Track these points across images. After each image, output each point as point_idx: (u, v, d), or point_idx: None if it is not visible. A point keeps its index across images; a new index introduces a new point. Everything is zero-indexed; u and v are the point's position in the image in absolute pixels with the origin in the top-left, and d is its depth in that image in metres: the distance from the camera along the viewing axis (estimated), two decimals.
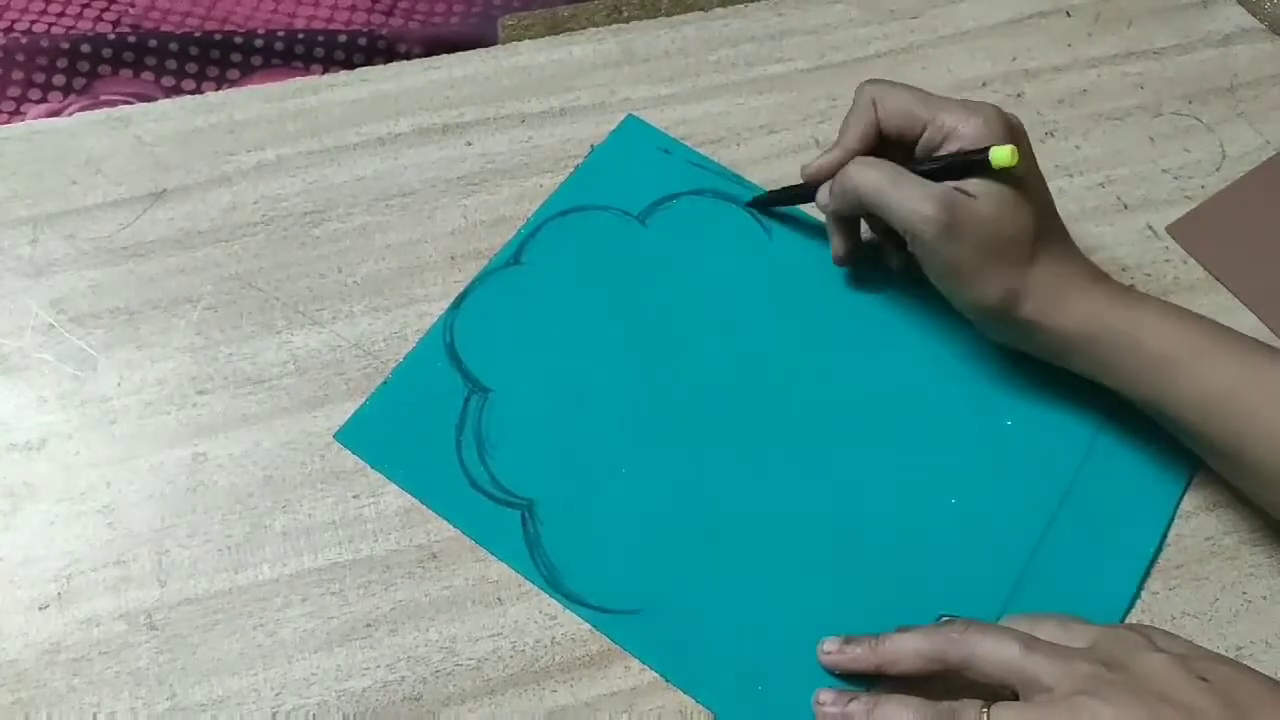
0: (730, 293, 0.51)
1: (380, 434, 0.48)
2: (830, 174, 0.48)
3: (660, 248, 0.53)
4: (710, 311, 0.51)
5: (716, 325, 0.51)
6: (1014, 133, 0.44)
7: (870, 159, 0.46)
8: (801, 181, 0.50)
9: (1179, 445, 0.46)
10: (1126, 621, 0.44)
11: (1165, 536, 0.46)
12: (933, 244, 0.44)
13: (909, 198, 0.44)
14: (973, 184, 0.43)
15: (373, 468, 0.47)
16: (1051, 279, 0.44)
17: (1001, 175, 0.43)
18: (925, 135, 0.45)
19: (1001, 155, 0.42)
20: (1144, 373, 0.43)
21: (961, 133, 0.44)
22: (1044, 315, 0.44)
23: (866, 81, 0.48)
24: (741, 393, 0.49)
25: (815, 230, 0.53)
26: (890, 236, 0.49)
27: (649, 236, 0.53)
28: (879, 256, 0.51)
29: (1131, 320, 0.44)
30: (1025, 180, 0.44)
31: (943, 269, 0.45)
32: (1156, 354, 0.43)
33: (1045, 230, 0.44)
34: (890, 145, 0.47)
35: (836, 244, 0.50)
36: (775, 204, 0.53)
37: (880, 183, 0.44)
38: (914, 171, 0.45)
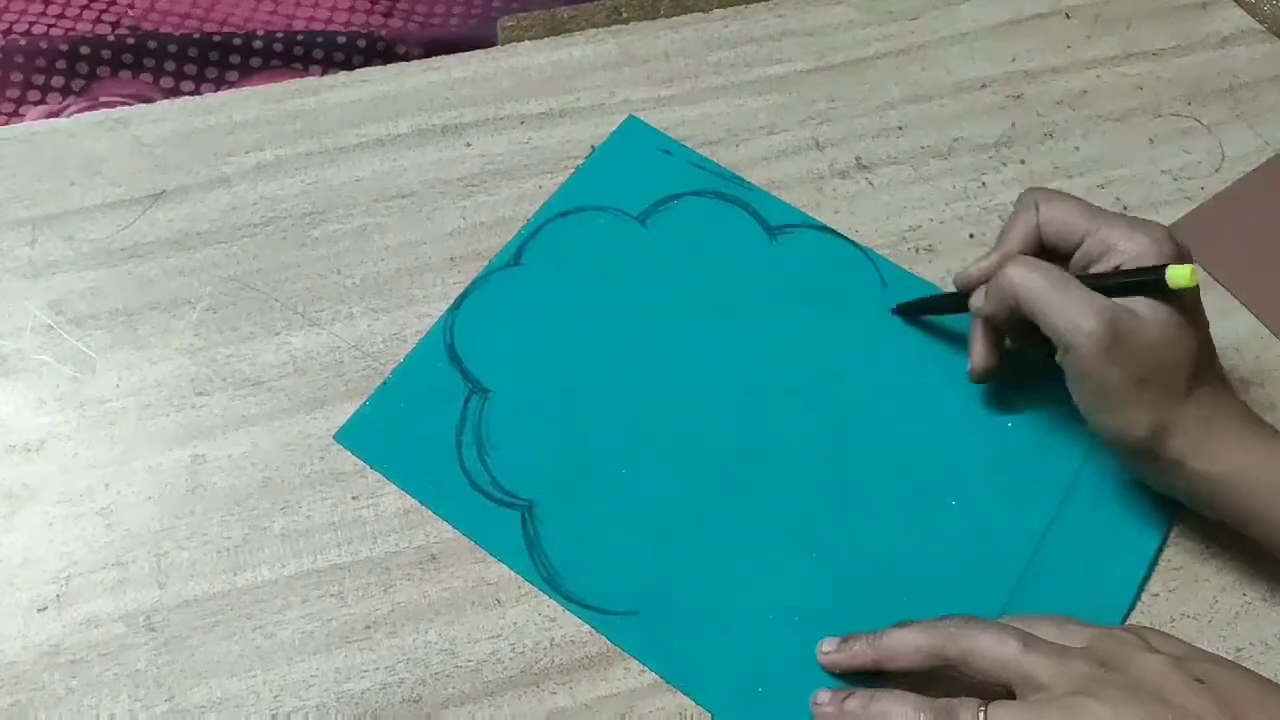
0: (730, 294, 0.51)
1: (380, 434, 0.48)
2: (988, 278, 0.45)
3: (661, 249, 0.53)
4: (710, 313, 0.51)
5: (717, 326, 0.51)
6: (1183, 254, 0.42)
7: (1034, 261, 0.43)
8: (954, 289, 0.47)
9: None
10: (1126, 624, 0.44)
11: (1166, 539, 0.46)
12: (1088, 361, 0.41)
13: (1073, 307, 0.40)
14: (1140, 303, 0.41)
15: (372, 468, 0.47)
16: (1204, 417, 0.41)
17: (1173, 299, 0.40)
18: (1084, 246, 0.43)
19: (1181, 275, 0.39)
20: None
21: (1125, 249, 0.42)
22: (1191, 455, 0.41)
23: (1030, 188, 0.46)
24: (741, 394, 0.49)
25: (817, 232, 0.53)
26: (1034, 344, 0.45)
27: (649, 237, 0.53)
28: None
29: (1272, 464, 0.41)
30: (1193, 309, 0.41)
31: (1094, 390, 0.42)
32: None
33: (1203, 365, 0.42)
34: (1046, 253, 0.44)
35: (979, 354, 0.47)
36: (924, 312, 0.50)
37: (1043, 286, 0.41)
38: (1076, 276, 0.42)
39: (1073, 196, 0.45)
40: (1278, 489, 0.41)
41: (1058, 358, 0.42)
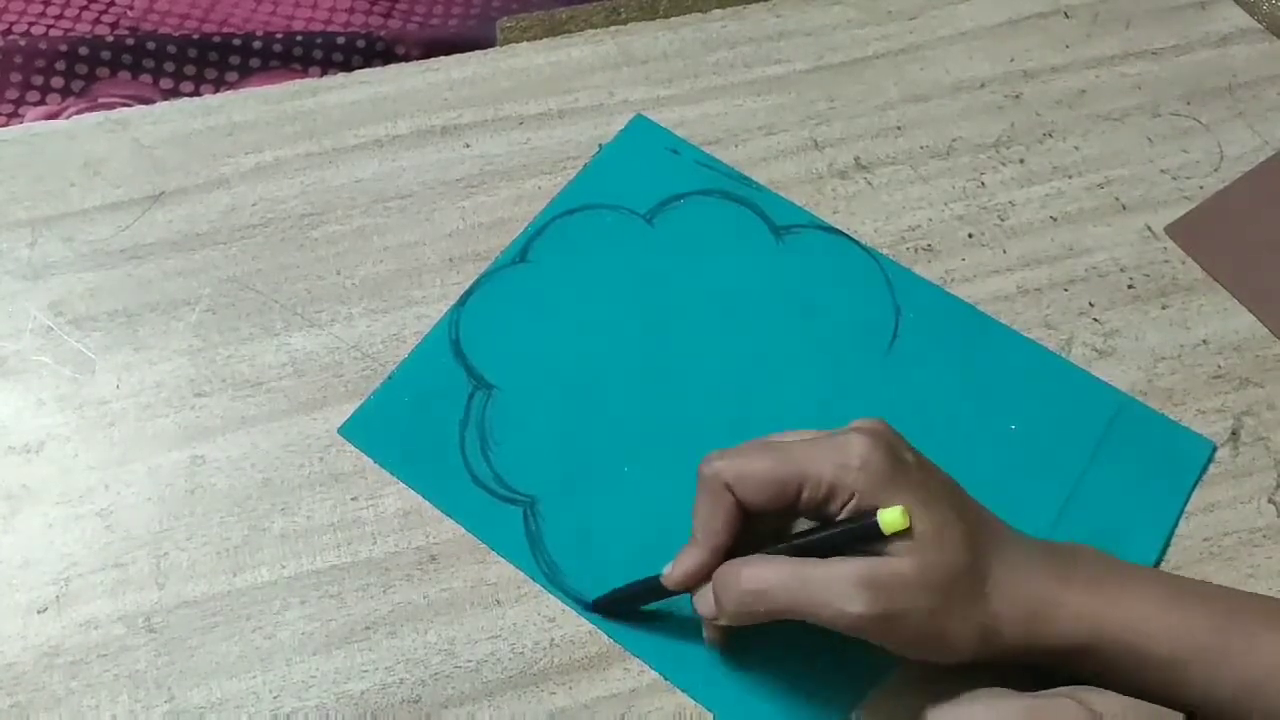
0: (736, 293, 0.51)
1: (383, 429, 0.48)
2: (700, 580, 0.40)
3: (666, 248, 0.53)
4: (716, 311, 0.51)
5: (722, 325, 0.51)
6: (894, 455, 0.38)
7: (759, 559, 0.38)
8: (656, 577, 0.41)
9: (1183, 450, 0.46)
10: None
11: (1169, 541, 0.46)
12: (878, 635, 0.37)
13: (828, 599, 0.36)
14: (887, 544, 0.36)
15: (375, 462, 0.47)
16: (1021, 591, 0.38)
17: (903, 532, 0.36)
18: (805, 496, 0.38)
19: (892, 519, 0.36)
20: (1156, 675, 0.38)
21: (847, 484, 0.37)
22: (1031, 635, 0.38)
23: (705, 462, 0.40)
24: (745, 393, 0.49)
25: (823, 233, 0.53)
26: None
27: (655, 236, 0.53)
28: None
29: (1124, 624, 0.38)
30: (932, 506, 0.37)
31: (902, 649, 0.38)
32: (1163, 658, 0.37)
33: (982, 537, 0.38)
34: (759, 520, 0.40)
35: (713, 634, 0.42)
36: (628, 605, 0.44)
37: (787, 589, 0.37)
38: (796, 548, 0.38)
39: (754, 449, 0.39)
40: (1120, 646, 0.38)
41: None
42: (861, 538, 0.37)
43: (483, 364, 0.49)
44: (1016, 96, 0.58)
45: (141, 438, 0.47)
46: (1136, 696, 0.37)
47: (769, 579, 0.37)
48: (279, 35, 0.61)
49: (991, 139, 0.57)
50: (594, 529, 0.46)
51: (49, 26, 0.62)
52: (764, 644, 0.43)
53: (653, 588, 0.41)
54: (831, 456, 0.38)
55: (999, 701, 0.36)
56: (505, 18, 0.61)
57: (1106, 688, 0.37)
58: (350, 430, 0.48)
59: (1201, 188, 0.55)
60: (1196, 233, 0.54)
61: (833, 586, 0.36)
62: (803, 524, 0.41)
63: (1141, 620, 0.38)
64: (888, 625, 0.36)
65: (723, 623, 0.39)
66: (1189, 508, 0.47)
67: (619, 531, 0.46)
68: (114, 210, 0.53)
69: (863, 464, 0.37)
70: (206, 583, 0.44)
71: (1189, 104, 0.58)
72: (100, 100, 0.59)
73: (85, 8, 0.63)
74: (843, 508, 0.38)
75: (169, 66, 0.60)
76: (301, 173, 0.54)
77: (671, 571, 0.40)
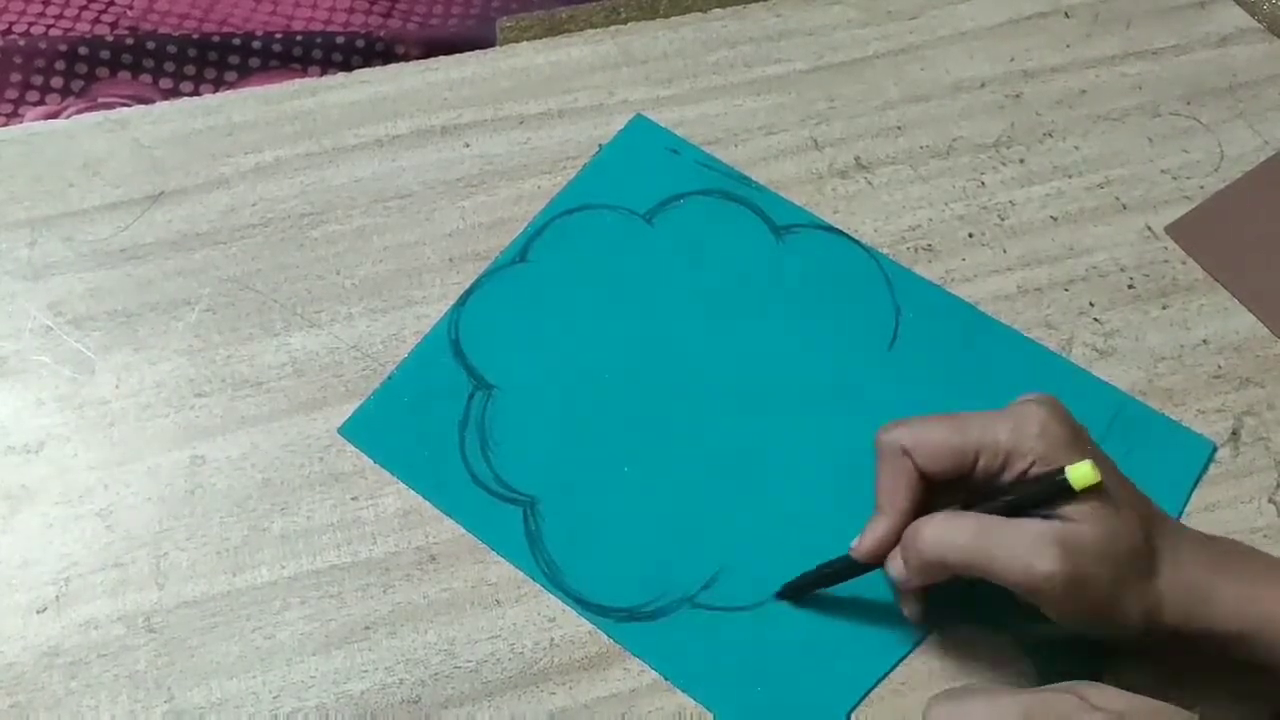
0: (736, 293, 0.51)
1: (383, 429, 0.48)
2: (889, 547, 0.41)
3: (666, 247, 0.53)
4: (715, 311, 0.51)
5: (722, 325, 0.51)
6: (1075, 430, 0.39)
7: (944, 516, 0.39)
8: (844, 556, 0.42)
9: (1183, 450, 0.45)
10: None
11: None
12: (1060, 599, 0.37)
13: (1016, 555, 0.37)
14: (1069, 509, 0.37)
15: (375, 462, 0.47)
16: (1183, 574, 0.39)
17: (1090, 490, 0.37)
18: (981, 464, 0.39)
19: (1082, 474, 0.37)
20: None
21: (1026, 450, 0.38)
22: (1189, 619, 0.38)
23: (882, 431, 0.41)
24: (746, 393, 0.49)
25: (823, 233, 0.53)
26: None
27: (655, 236, 0.53)
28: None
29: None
30: (1108, 471, 0.38)
31: (1076, 615, 0.38)
32: None
33: (1149, 518, 0.39)
34: (939, 487, 0.41)
35: (914, 610, 0.42)
36: (815, 588, 0.44)
37: (973, 544, 0.38)
38: (984, 509, 0.39)
39: (931, 422, 0.40)
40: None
41: (1021, 598, 0.39)
42: (1049, 498, 0.37)
43: (482, 364, 0.49)
44: (1016, 96, 0.58)
45: (141, 438, 0.47)
46: None
47: (958, 534, 0.38)
48: (279, 35, 0.61)
49: (991, 139, 0.57)
50: (594, 529, 0.46)
51: (49, 26, 0.62)
52: (764, 644, 0.43)
53: (842, 567, 0.42)
54: (1009, 424, 0.39)
55: (999, 696, 0.36)
56: (505, 18, 0.61)
57: (1269, 674, 0.38)
58: (350, 430, 0.48)
59: (1201, 188, 0.55)
60: (1196, 233, 0.54)
61: (1023, 543, 0.37)
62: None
63: None
64: (1071, 589, 0.37)
65: (914, 583, 0.40)
66: (1189, 508, 0.47)
67: (619, 531, 0.46)
68: (114, 210, 0.53)
69: (1041, 430, 0.38)
70: (206, 583, 0.44)
71: (1189, 104, 0.58)
72: (100, 100, 0.59)
73: (85, 8, 0.63)
74: (1019, 477, 0.39)
75: (169, 66, 0.60)
76: (301, 173, 0.54)
77: (860, 543, 0.41)
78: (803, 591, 0.44)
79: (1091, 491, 0.37)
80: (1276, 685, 0.40)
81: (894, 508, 0.40)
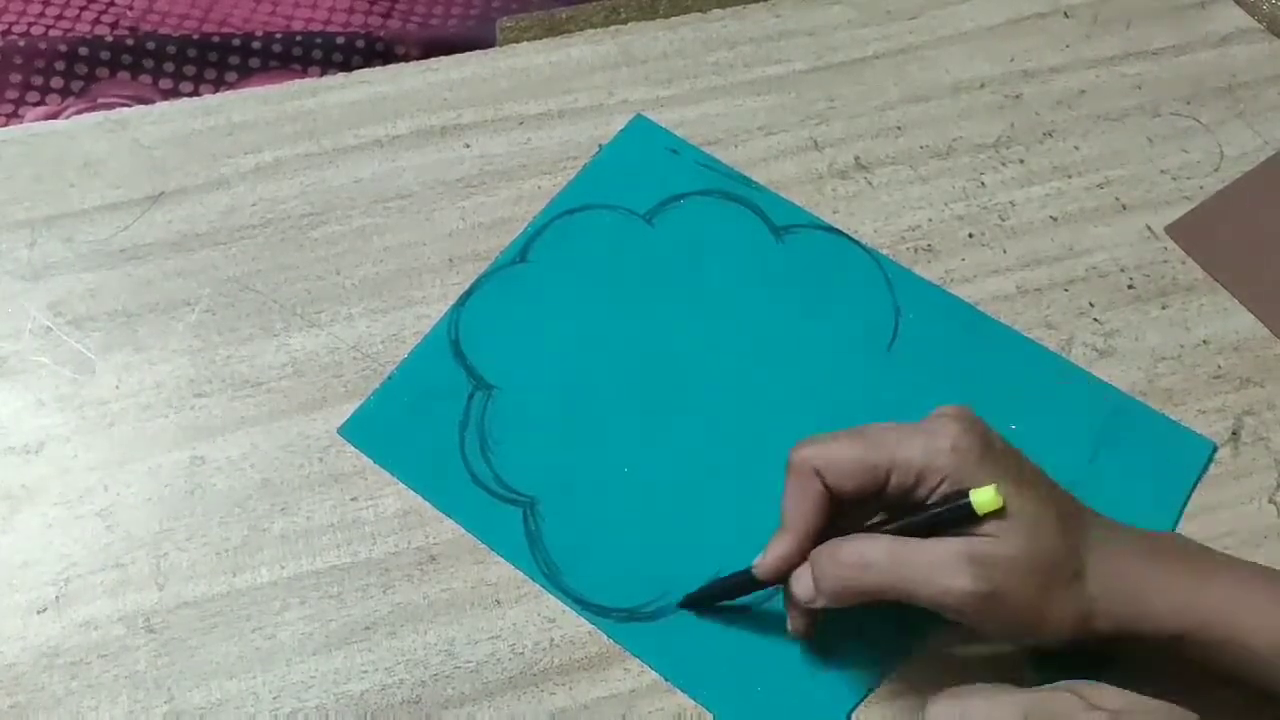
0: (735, 293, 0.51)
1: (383, 429, 0.48)
2: (793, 566, 0.40)
3: (666, 248, 0.53)
4: (715, 312, 0.51)
5: (721, 326, 0.51)
6: (987, 448, 0.38)
7: (856, 539, 0.39)
8: (745, 571, 0.42)
9: (1183, 450, 0.46)
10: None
11: None
12: (980, 615, 0.37)
13: (931, 576, 0.37)
14: (983, 525, 0.37)
15: (375, 463, 0.47)
16: (1114, 577, 0.38)
17: (1007, 500, 0.37)
18: (893, 483, 0.38)
19: (985, 499, 0.36)
20: (1258, 668, 0.38)
21: (937, 467, 0.37)
22: (1124, 622, 0.38)
23: (795, 450, 0.40)
24: (745, 393, 0.49)
25: (823, 233, 0.53)
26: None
27: (655, 236, 0.53)
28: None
29: (1219, 612, 0.38)
30: (1024, 488, 0.38)
31: (1000, 631, 0.38)
32: (1263, 651, 0.37)
33: (1075, 522, 0.39)
34: (847, 506, 0.40)
35: (800, 626, 0.42)
36: (716, 600, 0.44)
37: (888, 566, 0.37)
38: (892, 531, 0.38)
39: (843, 440, 0.39)
40: (1218, 633, 0.38)
41: (947, 617, 0.38)
42: (955, 520, 0.37)
43: (482, 364, 0.49)
44: (1016, 96, 0.58)
45: (141, 438, 0.47)
46: (1244, 684, 0.37)
47: (871, 555, 0.38)
48: (279, 35, 0.61)
49: (991, 139, 0.57)
50: (594, 529, 0.46)
51: (49, 26, 0.62)
52: (764, 644, 0.43)
53: (742, 581, 0.42)
54: (921, 441, 0.38)
55: (998, 695, 0.36)
56: (505, 18, 0.61)
57: (1213, 674, 0.38)
58: (350, 430, 0.48)
59: (1201, 188, 0.55)
60: (1196, 233, 0.54)
61: (937, 563, 0.37)
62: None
63: (1237, 610, 0.38)
64: (992, 604, 0.36)
65: (820, 604, 0.39)
66: (1189, 508, 0.47)
67: (619, 532, 0.46)
68: (114, 210, 0.53)
69: (953, 446, 0.37)
70: (206, 583, 0.44)
71: (1189, 104, 0.58)
72: (100, 100, 0.59)
73: (85, 8, 0.63)
74: (931, 493, 0.38)
75: (169, 66, 0.60)
76: (301, 173, 0.54)
77: (763, 560, 0.41)
78: (703, 603, 0.44)
79: (999, 512, 0.37)
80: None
81: (800, 527, 0.40)
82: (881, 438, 0.39)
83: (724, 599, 0.44)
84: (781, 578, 0.41)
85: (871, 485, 0.39)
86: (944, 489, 0.38)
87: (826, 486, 0.39)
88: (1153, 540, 0.40)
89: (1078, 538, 0.38)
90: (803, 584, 0.40)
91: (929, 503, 0.38)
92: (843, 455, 0.39)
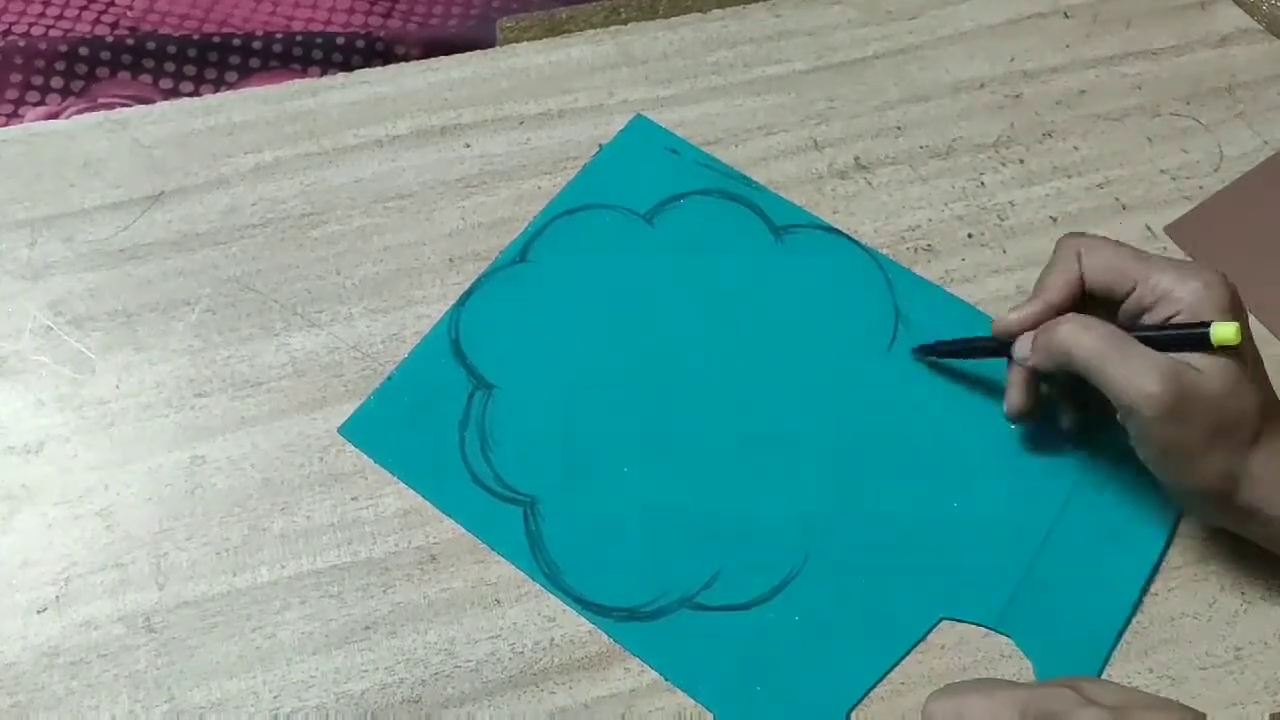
0: (736, 293, 0.51)
1: (383, 429, 0.48)
2: (1028, 328, 0.44)
3: (666, 248, 0.53)
4: (715, 312, 0.51)
5: (721, 325, 0.51)
6: (1237, 299, 0.41)
7: (1088, 319, 0.42)
8: (990, 336, 0.46)
9: None
10: (1120, 634, 0.43)
11: (1170, 541, 0.46)
12: (1154, 423, 0.40)
13: (1132, 370, 0.40)
14: (1198, 357, 0.40)
15: (375, 462, 0.47)
16: (1275, 462, 0.41)
17: (1231, 350, 0.40)
18: (1135, 294, 0.42)
19: (1226, 333, 0.39)
20: None
21: (1178, 297, 0.41)
22: (1265, 503, 0.41)
23: (1069, 234, 0.45)
24: (746, 393, 0.49)
25: (823, 233, 0.53)
26: (1071, 395, 0.46)
27: (655, 236, 0.53)
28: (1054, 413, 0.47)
29: None
30: (1250, 350, 0.41)
31: (1161, 449, 0.41)
32: None
33: (1268, 406, 0.41)
34: (1092, 301, 0.44)
35: (1016, 398, 0.46)
36: (951, 355, 0.49)
37: (1100, 349, 0.40)
38: (1122, 328, 0.41)
39: (1115, 243, 0.44)
40: None
41: (1119, 418, 0.42)
42: (1187, 345, 0.40)
43: (482, 364, 0.49)
44: (1016, 96, 0.58)
45: (141, 438, 0.47)
46: None
47: (1093, 335, 0.41)
48: (279, 35, 0.61)
49: (991, 139, 0.57)
50: (594, 529, 0.46)
51: (49, 26, 0.62)
52: (764, 644, 0.43)
53: (980, 342, 0.47)
54: (1177, 271, 0.41)
55: (996, 691, 0.37)
56: (505, 18, 0.61)
57: None
58: (350, 430, 0.48)
59: (1201, 188, 0.55)
60: (1196, 233, 0.54)
61: (1143, 363, 0.40)
62: None
63: None
64: (1166, 419, 0.39)
65: (1031, 363, 0.44)
66: None
67: (619, 531, 0.46)
68: (114, 210, 0.53)
69: (1205, 286, 0.41)
70: (206, 583, 0.44)
71: (1189, 104, 0.58)
72: (100, 100, 0.59)
73: (85, 8, 0.63)
74: (1164, 321, 0.41)
75: (169, 66, 0.60)
76: (301, 173, 0.54)
77: (1004, 317, 0.45)
78: (940, 354, 0.49)
79: (1226, 351, 0.40)
80: None
81: (1046, 298, 0.44)
82: (1145, 255, 0.43)
83: (959, 355, 0.48)
84: (1012, 336, 0.45)
85: (1118, 288, 0.43)
86: (1180, 319, 0.41)
87: (1081, 271, 0.43)
88: None
89: (1268, 417, 0.41)
90: (1024, 344, 0.44)
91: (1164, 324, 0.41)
92: (1105, 251, 0.43)
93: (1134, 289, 0.42)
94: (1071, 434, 0.47)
